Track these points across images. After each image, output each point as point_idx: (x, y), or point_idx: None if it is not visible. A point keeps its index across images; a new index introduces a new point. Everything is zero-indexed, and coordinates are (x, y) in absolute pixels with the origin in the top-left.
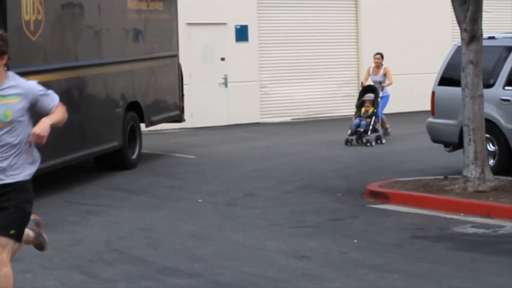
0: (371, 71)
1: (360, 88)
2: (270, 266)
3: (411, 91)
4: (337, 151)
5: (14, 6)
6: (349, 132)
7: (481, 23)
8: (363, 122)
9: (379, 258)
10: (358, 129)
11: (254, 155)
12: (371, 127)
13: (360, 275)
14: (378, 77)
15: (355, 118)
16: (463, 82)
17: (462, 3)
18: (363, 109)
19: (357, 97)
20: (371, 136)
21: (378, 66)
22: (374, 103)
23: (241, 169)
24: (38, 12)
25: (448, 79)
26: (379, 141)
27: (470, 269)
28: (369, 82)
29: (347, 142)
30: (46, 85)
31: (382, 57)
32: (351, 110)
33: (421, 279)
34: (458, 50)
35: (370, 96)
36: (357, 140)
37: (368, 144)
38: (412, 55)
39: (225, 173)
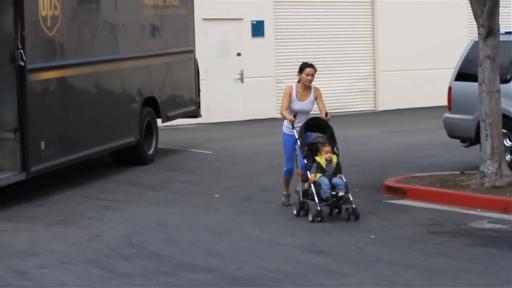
0: (294, 94)
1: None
2: (287, 261)
3: (427, 86)
4: (353, 146)
5: (31, 1)
6: (316, 200)
7: (498, 18)
8: (337, 180)
9: (396, 254)
10: (334, 192)
11: (270, 150)
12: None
13: (377, 270)
14: (307, 104)
15: (313, 175)
16: (480, 77)
17: None
18: (319, 159)
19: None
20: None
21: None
22: (332, 145)
23: (257, 164)
24: (55, 7)
25: (464, 74)
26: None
27: (487, 264)
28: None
29: (317, 216)
30: (63, 80)
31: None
32: (367, 105)
33: (438, 274)
34: (474, 46)
35: (321, 136)
36: (333, 210)
37: (353, 218)
38: (428, 50)
39: (242, 168)
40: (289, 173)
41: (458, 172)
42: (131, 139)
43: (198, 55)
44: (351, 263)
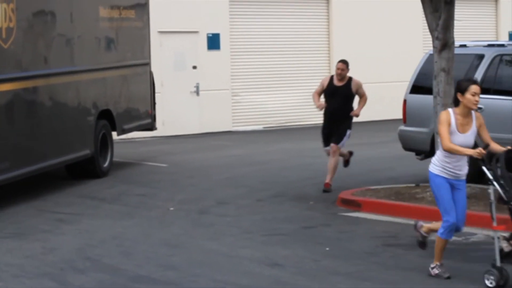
0: (454, 124)
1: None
2: (243, 274)
3: (382, 99)
4: (308, 159)
5: None
6: None
7: (453, 31)
8: None
9: (352, 266)
10: None
11: (226, 163)
12: None
13: (333, 283)
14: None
15: None
16: (435, 90)
17: (434, 11)
18: None
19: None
20: None
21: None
22: None
23: (213, 177)
24: (10, 19)
25: (419, 87)
26: None
27: (442, 276)
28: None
29: None
30: (18, 93)
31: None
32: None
33: (394, 286)
34: (429, 59)
35: None
36: None
37: None
38: (383, 64)
39: (198, 181)
40: (450, 231)
41: (413, 185)
42: (86, 152)
43: (154, 68)
44: (307, 275)
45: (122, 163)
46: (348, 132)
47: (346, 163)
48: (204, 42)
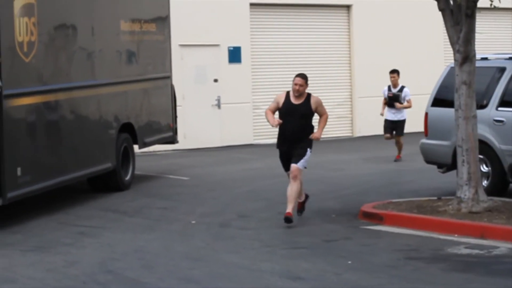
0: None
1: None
2: (265, 287)
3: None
4: (330, 172)
5: (8, 27)
6: None
7: (474, 44)
8: None
9: (373, 279)
10: None
11: (247, 176)
12: None
13: None
14: None
15: None
16: (456, 103)
17: (455, 24)
18: None
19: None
20: None
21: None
22: None
23: (234, 191)
24: (32, 33)
25: (441, 100)
26: None
27: None
28: None
29: None
30: (40, 106)
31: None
32: (344, 131)
33: None
34: (451, 72)
35: None
36: None
37: None
38: (405, 77)
39: (219, 194)
40: None
41: (435, 198)
42: (107, 165)
43: (175, 81)
44: None
45: (144, 176)
46: (309, 151)
47: (300, 207)
48: (225, 55)
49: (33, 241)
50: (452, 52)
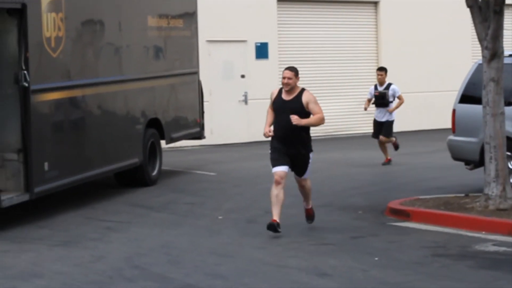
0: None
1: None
2: (291, 283)
3: (431, 108)
4: (356, 168)
5: (35, 23)
6: None
7: (502, 41)
8: None
9: (400, 276)
10: None
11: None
12: None
13: None
14: None
15: None
16: (484, 100)
17: (483, 21)
18: None
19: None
20: None
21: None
22: None
23: (261, 186)
24: (59, 29)
25: (469, 96)
26: None
27: (492, 287)
28: None
29: None
30: (67, 101)
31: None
32: (371, 128)
33: None
34: (478, 68)
35: None
36: None
37: None
38: (431, 73)
39: (245, 190)
40: None
41: (463, 195)
42: (134, 160)
43: (202, 77)
44: (356, 286)
45: (171, 172)
46: (311, 156)
47: (311, 213)
48: (252, 51)
49: (60, 235)
50: (479, 48)
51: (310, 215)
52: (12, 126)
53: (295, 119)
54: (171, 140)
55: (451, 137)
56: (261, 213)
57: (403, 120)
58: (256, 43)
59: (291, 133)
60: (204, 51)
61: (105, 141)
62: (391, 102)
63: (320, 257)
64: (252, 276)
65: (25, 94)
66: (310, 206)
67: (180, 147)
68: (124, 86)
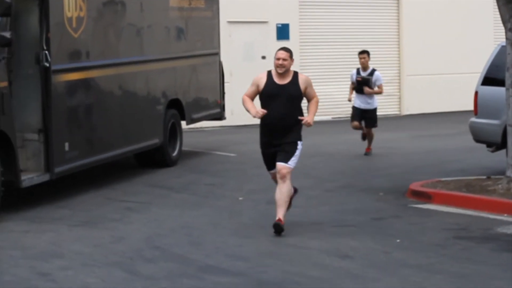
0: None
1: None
2: (313, 265)
3: (452, 90)
4: (378, 150)
5: (57, 3)
6: None
7: None
8: None
9: (423, 258)
10: None
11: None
12: None
13: (404, 276)
14: None
15: None
16: (507, 82)
17: (508, 2)
18: None
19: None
20: None
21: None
22: None
23: None
24: (81, 9)
25: (491, 79)
26: None
27: None
28: None
29: None
30: (88, 82)
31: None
32: (392, 109)
33: (466, 280)
34: (501, 50)
35: None
36: None
37: None
38: (454, 55)
39: (265, 171)
40: None
41: (484, 177)
42: (155, 141)
43: (223, 58)
44: (377, 268)
45: (191, 153)
46: (300, 145)
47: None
48: (273, 32)
49: (80, 216)
50: (502, 30)
51: (278, 227)
52: (33, 106)
53: (307, 123)
54: (191, 121)
55: (473, 119)
56: None
57: (425, 102)
58: (277, 24)
59: (284, 122)
60: (225, 32)
61: (125, 121)
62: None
63: (341, 239)
64: (273, 257)
65: (46, 74)
66: (280, 217)
67: (201, 128)
68: (145, 66)
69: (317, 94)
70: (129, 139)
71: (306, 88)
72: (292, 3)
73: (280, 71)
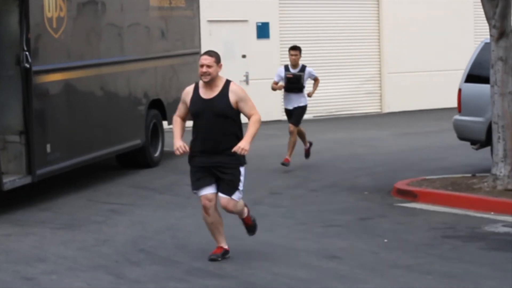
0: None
1: None
2: (301, 266)
3: (433, 88)
4: (360, 148)
5: (37, 3)
6: None
7: (510, 20)
8: None
9: (411, 259)
10: None
11: (277, 152)
12: None
13: (394, 276)
14: None
15: None
16: (492, 79)
17: None
18: None
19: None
20: None
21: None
22: None
23: (264, 167)
24: (61, 9)
25: (475, 76)
26: None
27: (505, 269)
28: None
29: None
30: (69, 82)
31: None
32: (373, 107)
33: (456, 280)
34: (485, 47)
35: None
36: None
37: None
38: (434, 52)
39: (249, 171)
40: None
41: (470, 175)
42: (137, 141)
43: None
44: (366, 268)
45: (173, 153)
46: (242, 172)
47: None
48: (253, 31)
49: (63, 218)
50: (483, 27)
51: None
52: (14, 107)
53: (240, 150)
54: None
55: (457, 116)
56: (266, 194)
57: (406, 99)
58: (257, 23)
59: (219, 143)
60: (205, 31)
61: (107, 122)
62: (304, 87)
63: (328, 239)
64: (261, 258)
65: (26, 75)
66: (246, 215)
67: None
68: (126, 67)
69: None
70: (111, 140)
71: (237, 102)
72: (272, 1)
73: (205, 80)
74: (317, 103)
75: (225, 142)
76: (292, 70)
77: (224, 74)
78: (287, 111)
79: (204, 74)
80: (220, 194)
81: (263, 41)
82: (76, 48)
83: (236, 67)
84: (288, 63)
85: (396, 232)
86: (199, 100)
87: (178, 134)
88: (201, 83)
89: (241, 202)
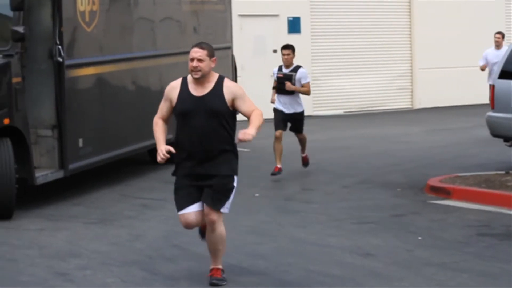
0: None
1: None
2: (335, 263)
3: (465, 83)
4: (392, 145)
5: None
6: None
7: None
8: None
9: (446, 256)
10: None
11: (308, 148)
12: None
13: (429, 274)
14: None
15: None
16: None
17: None
18: None
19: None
20: None
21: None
22: None
23: (296, 163)
24: (93, 3)
25: (508, 72)
26: None
27: None
28: None
29: None
30: (101, 77)
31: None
32: (404, 103)
33: (492, 278)
34: None
35: None
36: None
37: None
38: (466, 47)
39: (283, 167)
40: None
41: (503, 172)
42: (169, 136)
43: (234, 51)
44: (401, 266)
45: None
46: (235, 181)
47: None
48: (284, 26)
49: (96, 213)
50: None
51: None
52: (46, 102)
53: (243, 138)
54: None
55: (490, 113)
56: (298, 190)
57: (437, 95)
58: (288, 17)
59: (209, 147)
60: (236, 25)
61: (139, 117)
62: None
63: (362, 236)
64: (294, 255)
65: (59, 69)
66: (216, 266)
67: None
68: (158, 61)
69: (328, 87)
70: (143, 135)
71: (233, 100)
72: None
73: (196, 76)
74: (348, 98)
75: (219, 143)
76: (284, 70)
77: (254, 69)
78: (281, 113)
79: (195, 69)
80: (206, 205)
81: (294, 36)
82: (109, 42)
83: (267, 62)
84: (282, 63)
85: (430, 229)
86: (188, 97)
87: (161, 140)
88: (190, 78)
89: (224, 234)
